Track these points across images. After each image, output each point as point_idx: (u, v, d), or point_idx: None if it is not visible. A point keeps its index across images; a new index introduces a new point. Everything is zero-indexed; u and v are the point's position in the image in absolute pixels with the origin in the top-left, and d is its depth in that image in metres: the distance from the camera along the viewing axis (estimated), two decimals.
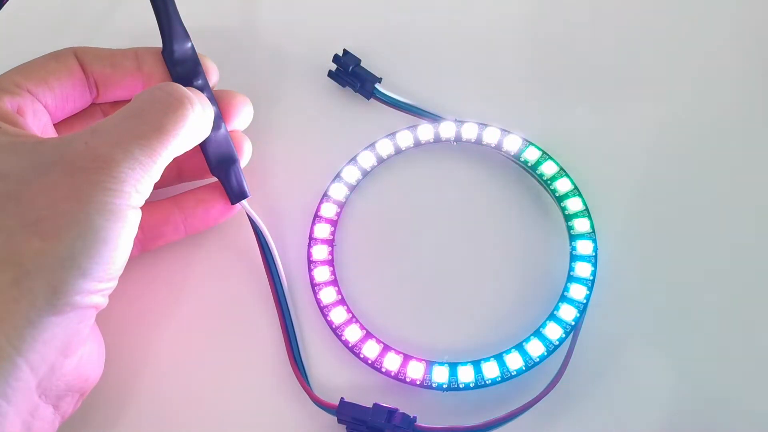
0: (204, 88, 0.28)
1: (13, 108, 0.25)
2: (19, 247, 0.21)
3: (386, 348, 0.28)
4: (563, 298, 0.28)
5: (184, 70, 0.27)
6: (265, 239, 0.29)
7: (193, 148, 0.26)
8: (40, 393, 0.22)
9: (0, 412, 0.20)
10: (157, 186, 0.24)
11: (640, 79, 0.34)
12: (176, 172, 0.30)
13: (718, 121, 0.33)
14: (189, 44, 0.27)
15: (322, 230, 0.30)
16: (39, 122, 0.26)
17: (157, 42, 0.27)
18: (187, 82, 0.27)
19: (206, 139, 0.27)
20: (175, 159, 0.25)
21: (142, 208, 0.24)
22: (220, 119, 0.28)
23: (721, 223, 0.31)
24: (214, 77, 0.28)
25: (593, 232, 0.29)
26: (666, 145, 0.32)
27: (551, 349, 0.27)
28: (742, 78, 0.34)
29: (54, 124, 0.27)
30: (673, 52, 0.34)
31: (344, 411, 0.26)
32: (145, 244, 0.29)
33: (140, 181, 0.23)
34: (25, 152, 0.23)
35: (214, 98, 0.28)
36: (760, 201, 0.31)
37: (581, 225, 0.29)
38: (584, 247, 0.29)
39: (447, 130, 0.31)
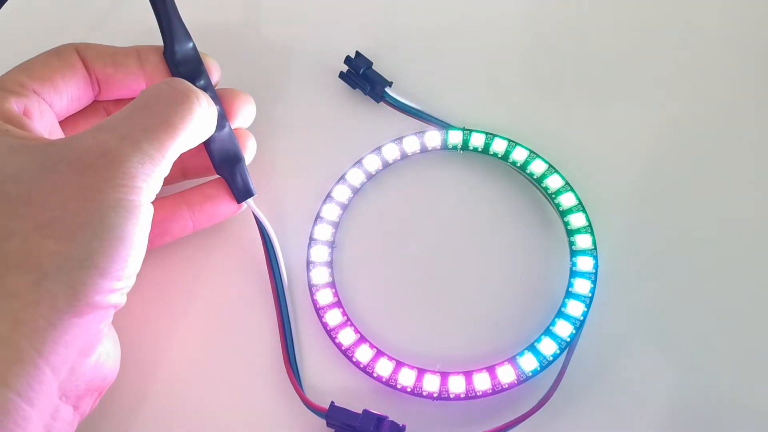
0: (207, 88, 0.27)
1: (19, 109, 0.24)
2: (36, 249, 0.21)
3: (379, 353, 0.28)
4: (560, 313, 0.28)
5: (186, 70, 0.27)
6: (269, 238, 0.29)
7: (198, 146, 0.26)
8: (61, 394, 0.22)
9: (23, 416, 0.20)
10: (163, 183, 0.24)
11: (654, 95, 0.33)
12: (181, 169, 0.30)
13: (730, 137, 0.32)
14: (190, 44, 0.27)
15: (323, 231, 0.30)
16: (45, 122, 0.25)
17: (159, 40, 0.27)
18: (190, 82, 0.27)
19: (210, 138, 0.27)
20: (179, 156, 0.25)
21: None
22: (223, 118, 0.28)
23: (726, 239, 0.30)
24: (216, 75, 0.28)
25: (595, 248, 0.29)
26: (670, 164, 0.32)
27: (545, 364, 0.27)
28: (743, 79, 0.33)
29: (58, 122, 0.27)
30: (680, 61, 0.34)
31: (334, 415, 0.26)
32: (152, 241, 0.28)
33: (151, 176, 0.23)
34: (34, 153, 0.22)
35: (217, 97, 0.28)
36: (760, 206, 0.31)
37: (583, 241, 0.29)
38: (585, 263, 0.28)
39: (454, 137, 0.31)
